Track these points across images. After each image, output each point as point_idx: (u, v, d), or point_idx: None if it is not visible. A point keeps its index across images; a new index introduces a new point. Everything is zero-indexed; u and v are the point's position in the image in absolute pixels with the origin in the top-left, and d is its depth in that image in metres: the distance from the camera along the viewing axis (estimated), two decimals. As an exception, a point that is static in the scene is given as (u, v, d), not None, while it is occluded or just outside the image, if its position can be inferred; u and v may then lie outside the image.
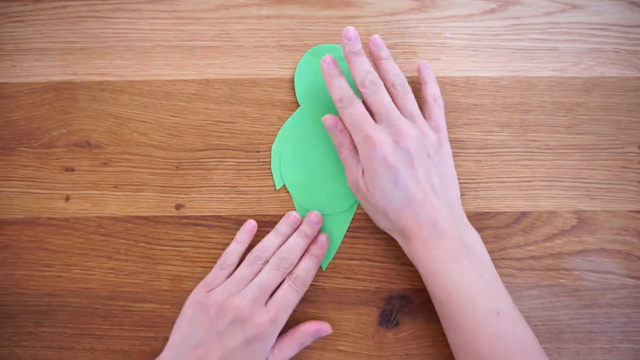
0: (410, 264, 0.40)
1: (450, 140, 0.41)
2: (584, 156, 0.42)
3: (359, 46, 0.38)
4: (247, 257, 0.38)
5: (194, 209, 0.41)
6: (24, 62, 0.43)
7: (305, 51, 0.43)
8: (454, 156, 0.41)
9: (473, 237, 0.36)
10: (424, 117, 0.38)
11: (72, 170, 0.41)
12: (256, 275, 0.37)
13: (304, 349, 0.39)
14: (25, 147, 0.42)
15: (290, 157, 0.41)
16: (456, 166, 0.41)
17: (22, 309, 0.40)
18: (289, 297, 0.37)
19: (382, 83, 0.37)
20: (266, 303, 0.36)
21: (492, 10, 0.43)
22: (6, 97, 0.42)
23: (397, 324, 0.40)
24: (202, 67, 0.43)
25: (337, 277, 0.41)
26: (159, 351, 0.40)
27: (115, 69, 0.43)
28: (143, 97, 0.42)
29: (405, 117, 0.37)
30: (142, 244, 0.41)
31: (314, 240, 0.39)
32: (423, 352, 0.39)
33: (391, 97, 0.37)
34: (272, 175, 0.41)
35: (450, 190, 0.37)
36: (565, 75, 0.43)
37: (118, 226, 0.41)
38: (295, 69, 0.42)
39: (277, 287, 0.37)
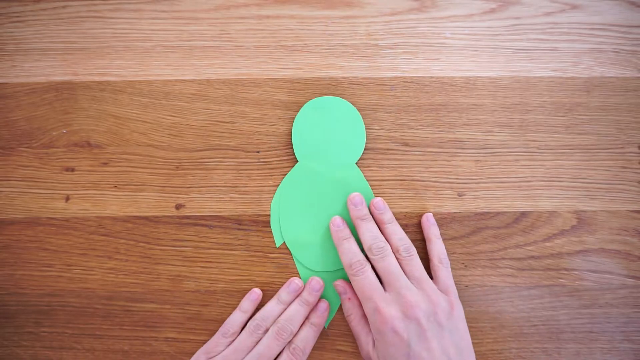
0: (410, 264, 0.40)
1: (450, 141, 0.42)
2: (584, 156, 0.42)
3: (364, 211, 0.39)
4: (247, 325, 0.38)
5: (194, 209, 0.41)
6: (24, 62, 0.43)
7: (305, 51, 0.43)
8: (453, 157, 0.41)
9: None
10: (432, 278, 0.38)
11: (72, 170, 0.41)
12: (256, 343, 0.37)
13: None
14: (26, 147, 0.42)
15: (290, 214, 0.41)
16: (456, 166, 0.41)
17: (22, 309, 0.40)
18: None
19: (389, 247, 0.38)
20: None
21: (492, 11, 0.43)
22: (6, 97, 0.42)
23: (397, 324, 0.40)
24: (202, 67, 0.43)
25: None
26: (159, 351, 0.40)
27: (115, 69, 0.43)
28: (143, 97, 0.42)
29: (412, 282, 0.37)
30: (142, 244, 0.41)
31: (314, 308, 0.39)
32: (423, 352, 0.39)
33: (398, 261, 0.37)
34: (271, 176, 0.41)
35: (466, 358, 0.36)
36: (565, 75, 0.43)
37: (118, 226, 0.41)
38: (294, 68, 0.43)
39: (277, 356, 0.38)
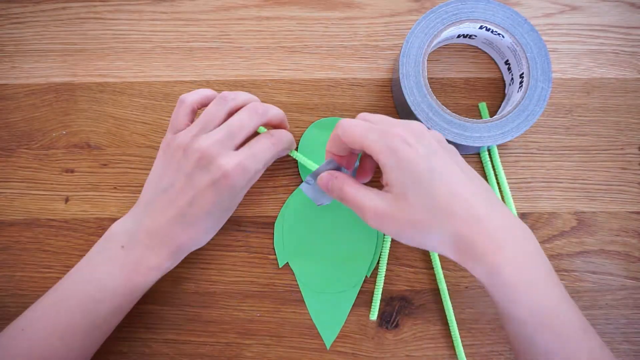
0: (410, 265, 0.40)
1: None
2: (584, 157, 0.42)
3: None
4: (219, 95, 0.36)
5: (193, 210, 0.41)
6: (24, 64, 0.43)
7: (305, 52, 0.43)
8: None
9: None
10: None
11: (72, 171, 0.41)
12: (226, 117, 0.35)
13: (303, 350, 0.39)
14: (25, 149, 0.42)
15: (294, 234, 0.40)
16: (456, 167, 0.41)
17: (22, 310, 0.40)
18: (262, 146, 0.35)
19: None
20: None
21: (492, 12, 0.43)
22: (6, 99, 0.42)
23: (397, 325, 0.40)
24: (202, 68, 0.43)
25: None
26: (158, 352, 0.40)
27: (115, 70, 0.43)
28: (143, 99, 0.42)
29: None
30: (141, 246, 0.40)
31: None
32: (423, 354, 0.39)
33: None
34: (271, 177, 0.41)
35: (477, 180, 0.32)
36: (565, 76, 0.43)
37: (118, 227, 0.41)
38: (294, 69, 0.43)
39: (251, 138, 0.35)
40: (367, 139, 0.31)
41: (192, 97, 0.36)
